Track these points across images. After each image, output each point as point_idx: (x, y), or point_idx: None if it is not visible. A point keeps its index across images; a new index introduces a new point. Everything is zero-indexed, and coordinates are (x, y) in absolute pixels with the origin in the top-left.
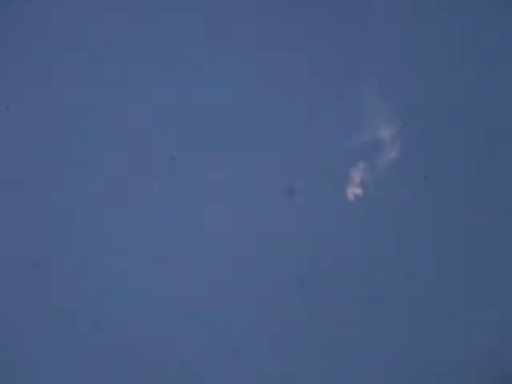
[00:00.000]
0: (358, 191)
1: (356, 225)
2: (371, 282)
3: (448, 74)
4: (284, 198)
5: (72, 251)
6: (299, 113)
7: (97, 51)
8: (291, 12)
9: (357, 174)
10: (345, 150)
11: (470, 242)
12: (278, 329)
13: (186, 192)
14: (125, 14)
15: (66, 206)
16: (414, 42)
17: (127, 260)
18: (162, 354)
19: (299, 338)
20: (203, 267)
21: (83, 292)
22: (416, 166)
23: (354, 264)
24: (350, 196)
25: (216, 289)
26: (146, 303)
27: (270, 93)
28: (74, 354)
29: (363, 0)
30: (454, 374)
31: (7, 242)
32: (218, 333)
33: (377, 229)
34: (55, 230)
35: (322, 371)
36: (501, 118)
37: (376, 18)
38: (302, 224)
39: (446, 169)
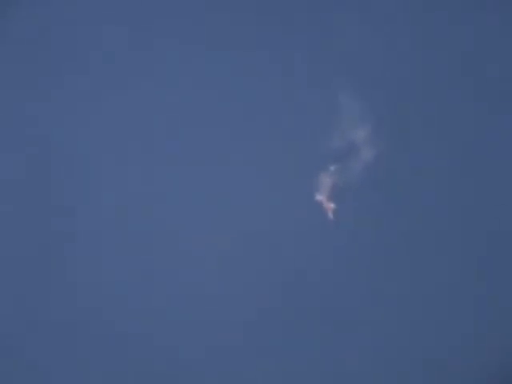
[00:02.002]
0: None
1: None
2: (370, 282)
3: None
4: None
5: (74, 253)
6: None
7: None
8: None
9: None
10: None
11: (466, 245)
12: (277, 335)
13: (180, 197)
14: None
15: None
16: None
17: (128, 263)
18: (162, 354)
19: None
20: (202, 269)
21: (84, 292)
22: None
23: (350, 265)
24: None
25: (215, 291)
26: (146, 304)
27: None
28: (76, 353)
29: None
30: (454, 374)
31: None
32: (217, 334)
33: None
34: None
35: (322, 371)
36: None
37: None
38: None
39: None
